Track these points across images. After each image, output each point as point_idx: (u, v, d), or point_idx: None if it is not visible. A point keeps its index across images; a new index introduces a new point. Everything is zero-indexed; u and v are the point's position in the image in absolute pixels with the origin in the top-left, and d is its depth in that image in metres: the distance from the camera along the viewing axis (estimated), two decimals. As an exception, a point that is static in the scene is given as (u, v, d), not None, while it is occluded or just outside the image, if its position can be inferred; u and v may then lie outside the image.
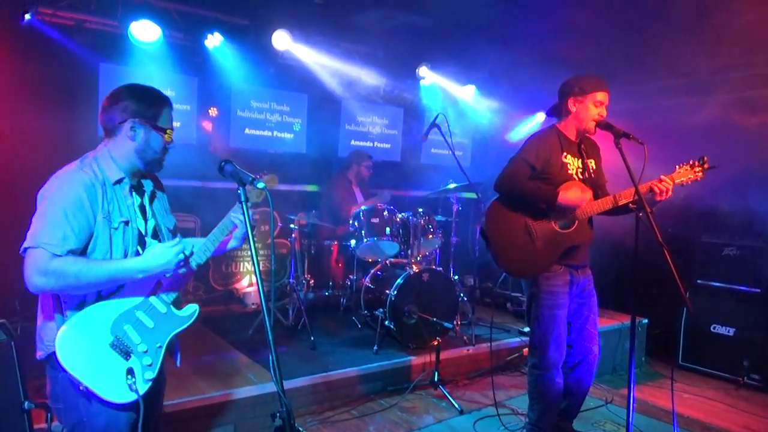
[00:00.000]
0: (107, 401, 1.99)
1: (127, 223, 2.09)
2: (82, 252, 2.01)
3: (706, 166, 3.12)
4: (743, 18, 4.76)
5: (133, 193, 2.17)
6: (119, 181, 2.11)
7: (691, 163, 3.14)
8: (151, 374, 2.09)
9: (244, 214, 2.08)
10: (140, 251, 2.10)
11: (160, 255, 2.00)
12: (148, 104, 2.13)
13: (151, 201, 2.24)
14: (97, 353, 2.01)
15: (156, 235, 2.22)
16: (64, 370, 1.95)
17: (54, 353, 1.97)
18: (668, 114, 5.92)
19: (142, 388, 2.05)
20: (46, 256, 1.91)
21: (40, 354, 2.09)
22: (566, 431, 3.56)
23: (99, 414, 2.02)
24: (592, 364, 3.41)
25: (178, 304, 2.22)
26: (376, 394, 4.35)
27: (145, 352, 2.08)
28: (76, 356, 1.97)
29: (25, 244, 1.95)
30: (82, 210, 1.97)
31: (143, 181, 2.25)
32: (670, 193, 3.06)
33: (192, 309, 2.22)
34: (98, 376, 1.99)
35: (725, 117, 5.53)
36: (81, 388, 1.97)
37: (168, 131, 2.16)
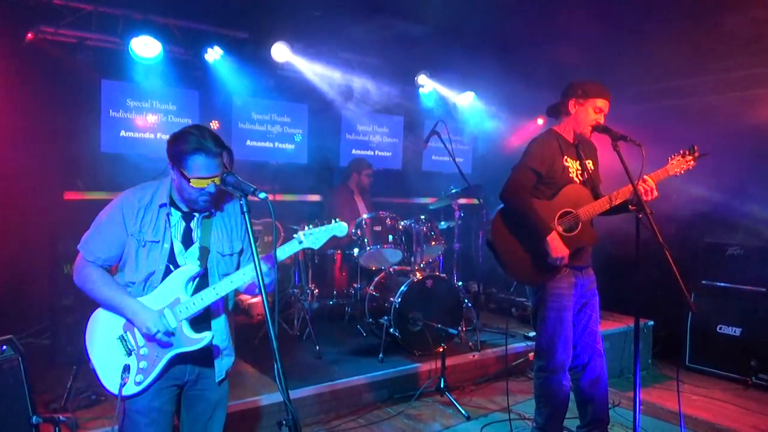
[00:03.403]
0: (104, 386, 2.21)
1: (157, 242, 2.25)
2: (120, 261, 2.28)
3: (696, 154, 3.17)
4: (738, 19, 4.79)
5: (179, 218, 2.32)
6: (163, 205, 2.29)
7: (682, 152, 3.20)
8: (143, 378, 2.20)
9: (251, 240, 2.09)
10: (171, 269, 2.26)
11: (146, 317, 2.17)
12: (177, 152, 2.20)
13: (203, 224, 2.33)
14: (107, 341, 2.24)
15: (203, 257, 2.31)
16: (85, 347, 2.23)
17: None
18: (666, 116, 5.93)
19: (131, 389, 2.19)
20: (82, 261, 2.27)
21: None
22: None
23: (126, 403, 2.23)
24: (600, 363, 3.40)
25: (200, 324, 2.30)
26: (382, 402, 4.35)
27: (144, 356, 2.22)
28: (93, 338, 2.26)
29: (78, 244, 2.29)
30: (117, 225, 2.24)
31: None
32: (655, 192, 3.10)
33: (204, 335, 2.26)
34: (103, 362, 2.23)
35: (725, 117, 5.54)
36: (90, 366, 2.22)
37: (193, 180, 2.17)
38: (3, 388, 2.55)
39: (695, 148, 3.17)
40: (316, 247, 2.34)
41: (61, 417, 2.58)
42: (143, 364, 2.21)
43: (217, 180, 2.20)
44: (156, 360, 2.22)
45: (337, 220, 2.36)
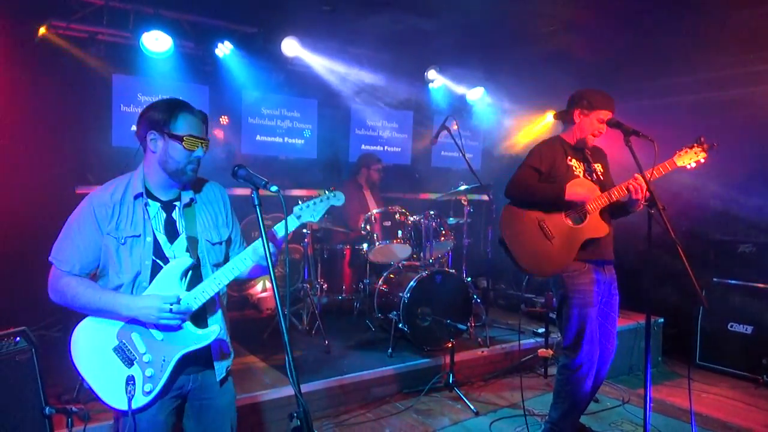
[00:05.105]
0: (107, 404, 2.02)
1: (138, 236, 2.09)
2: (98, 267, 2.09)
3: (705, 145, 3.16)
4: (749, 13, 4.74)
5: (159, 209, 2.16)
6: (138, 196, 2.13)
7: (690, 145, 3.19)
8: (151, 386, 2.05)
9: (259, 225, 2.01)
10: (160, 264, 2.10)
11: (148, 302, 2.01)
12: (161, 112, 2.09)
13: (185, 213, 2.19)
14: (100, 355, 2.05)
15: (193, 247, 2.16)
16: (74, 366, 2.03)
17: None
18: (678, 110, 5.88)
19: (141, 400, 2.02)
20: (56, 272, 2.08)
21: None
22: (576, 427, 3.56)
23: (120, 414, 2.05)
24: (606, 361, 3.43)
25: (200, 319, 2.16)
26: (391, 397, 4.36)
27: (149, 363, 2.06)
28: (82, 353, 2.06)
29: (49, 256, 2.11)
30: (90, 226, 2.07)
31: (183, 193, 2.22)
32: (645, 191, 3.05)
33: (211, 330, 2.14)
34: (100, 377, 2.03)
35: (738, 113, 5.48)
36: (85, 384, 2.03)
37: (186, 139, 2.08)
38: (16, 379, 2.58)
39: (702, 139, 3.17)
40: (315, 220, 2.27)
41: (73, 408, 2.59)
42: (149, 371, 2.04)
43: (205, 145, 2.13)
44: (163, 365, 2.06)
45: (333, 190, 2.29)
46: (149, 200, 2.15)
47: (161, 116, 2.09)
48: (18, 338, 2.63)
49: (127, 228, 2.08)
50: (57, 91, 5.03)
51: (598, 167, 3.44)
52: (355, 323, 5.64)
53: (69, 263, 2.06)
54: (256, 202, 2.03)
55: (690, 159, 3.16)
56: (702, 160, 3.16)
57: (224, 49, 5.79)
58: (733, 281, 5.31)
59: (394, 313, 4.79)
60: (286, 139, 6.69)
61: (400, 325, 4.73)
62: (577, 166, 3.37)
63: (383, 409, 4.18)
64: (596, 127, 3.28)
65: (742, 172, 5.22)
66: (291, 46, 6.03)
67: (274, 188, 2.05)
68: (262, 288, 6.26)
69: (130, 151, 5.66)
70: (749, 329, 5.11)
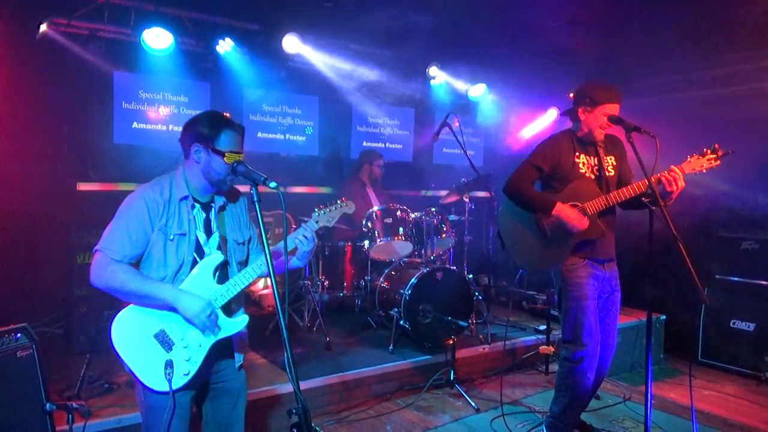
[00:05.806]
0: (147, 387, 2.19)
1: (184, 235, 2.29)
2: (141, 257, 2.27)
3: (720, 152, 3.13)
4: (756, 8, 4.71)
5: (199, 209, 2.37)
6: (184, 198, 2.33)
7: (703, 151, 3.15)
8: (189, 369, 2.23)
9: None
10: (197, 259, 2.31)
11: (192, 303, 2.20)
12: (207, 127, 2.28)
13: (218, 215, 2.42)
14: (142, 341, 2.22)
15: (223, 246, 2.39)
16: (115, 351, 2.18)
17: None
18: (681, 107, 5.85)
19: (179, 381, 2.21)
20: (105, 259, 2.20)
21: None
22: (577, 424, 3.57)
23: (150, 395, 2.23)
24: (608, 356, 3.44)
25: (229, 309, 2.36)
26: (392, 394, 4.36)
27: (186, 348, 2.25)
28: (124, 340, 2.21)
29: (96, 246, 2.25)
30: (143, 221, 2.23)
31: (216, 197, 2.43)
32: (680, 182, 3.05)
33: (241, 318, 2.38)
34: (141, 362, 2.21)
35: (741, 109, 5.46)
36: (127, 369, 2.20)
37: (227, 154, 2.25)
38: (18, 375, 2.59)
39: (716, 146, 3.14)
40: (330, 224, 2.56)
41: (74, 404, 2.61)
42: (186, 355, 2.24)
43: (242, 158, 2.30)
44: (199, 350, 2.27)
45: (344, 201, 2.57)
46: (194, 202, 2.37)
47: (207, 132, 2.28)
48: (19, 335, 2.64)
49: (174, 226, 2.28)
50: (58, 89, 5.02)
51: (610, 160, 3.42)
52: (356, 320, 5.64)
53: (120, 252, 2.20)
54: (255, 199, 2.05)
55: (701, 165, 3.12)
56: (714, 166, 3.13)
57: (225, 46, 5.77)
58: (735, 278, 5.29)
59: (396, 309, 4.79)
60: (287, 136, 6.68)
61: (402, 322, 4.73)
62: (585, 162, 3.35)
63: (384, 406, 4.19)
64: (602, 122, 3.25)
65: (745, 169, 5.20)
66: (292, 43, 6.01)
67: (273, 184, 2.08)
68: (264, 285, 6.26)
69: (132, 149, 5.69)
70: (752, 326, 5.10)
